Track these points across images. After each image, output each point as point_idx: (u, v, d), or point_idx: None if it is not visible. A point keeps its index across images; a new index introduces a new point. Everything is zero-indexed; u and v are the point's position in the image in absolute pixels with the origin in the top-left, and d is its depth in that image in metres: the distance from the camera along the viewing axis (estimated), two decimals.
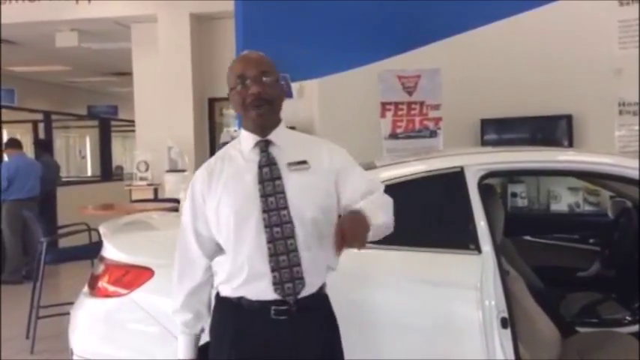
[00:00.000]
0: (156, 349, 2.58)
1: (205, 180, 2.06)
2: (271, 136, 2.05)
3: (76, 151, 17.63)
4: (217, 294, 2.09)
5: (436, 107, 4.90)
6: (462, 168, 2.68)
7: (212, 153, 5.19)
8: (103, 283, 2.76)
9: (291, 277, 1.94)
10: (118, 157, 15.07)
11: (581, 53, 5.15)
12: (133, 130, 9.47)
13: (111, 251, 2.84)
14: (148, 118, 8.72)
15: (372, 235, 1.89)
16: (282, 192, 1.96)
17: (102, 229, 3.09)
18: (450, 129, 4.92)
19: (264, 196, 1.96)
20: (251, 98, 1.99)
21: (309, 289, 1.98)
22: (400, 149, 4.77)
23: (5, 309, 6.17)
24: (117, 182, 11.09)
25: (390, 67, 5.07)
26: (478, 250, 2.54)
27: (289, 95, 5.69)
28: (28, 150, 8.95)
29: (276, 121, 2.07)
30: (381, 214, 1.97)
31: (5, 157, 8.21)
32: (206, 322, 2.14)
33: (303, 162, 2.02)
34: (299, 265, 1.95)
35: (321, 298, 2.05)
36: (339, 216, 2.02)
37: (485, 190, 2.70)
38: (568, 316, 3.37)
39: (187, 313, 2.12)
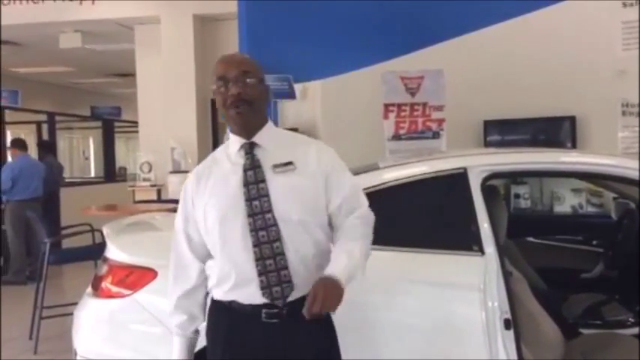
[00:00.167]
0: (159, 349, 2.58)
1: (194, 184, 2.07)
2: (256, 138, 2.03)
3: (80, 152, 17.66)
4: (211, 297, 2.09)
5: (439, 108, 4.90)
6: (465, 169, 2.68)
7: None
8: (106, 284, 2.77)
9: (279, 280, 1.93)
10: (121, 158, 15.09)
11: (585, 55, 5.15)
12: (137, 131, 9.48)
13: (114, 252, 2.84)
14: (151, 119, 8.73)
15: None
16: (267, 195, 1.95)
17: (105, 230, 3.10)
18: (453, 130, 4.93)
19: (248, 199, 1.95)
20: (231, 99, 1.98)
21: (300, 292, 1.94)
22: (403, 150, 4.77)
23: (9, 309, 6.18)
24: (120, 183, 11.11)
25: (393, 68, 5.08)
26: (481, 251, 2.54)
27: (292, 96, 5.70)
28: (32, 151, 8.95)
29: (259, 122, 2.06)
30: (359, 257, 1.95)
31: (9, 158, 8.23)
32: (200, 324, 2.14)
33: (289, 163, 2.00)
34: (286, 268, 1.93)
35: None
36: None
37: (488, 191, 2.69)
38: (571, 317, 3.37)
39: (181, 315, 2.12)
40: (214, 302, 2.06)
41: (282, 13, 5.45)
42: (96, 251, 4.37)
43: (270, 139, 2.05)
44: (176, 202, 2.23)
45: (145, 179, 8.41)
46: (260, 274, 1.93)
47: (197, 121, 8.27)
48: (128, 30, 8.95)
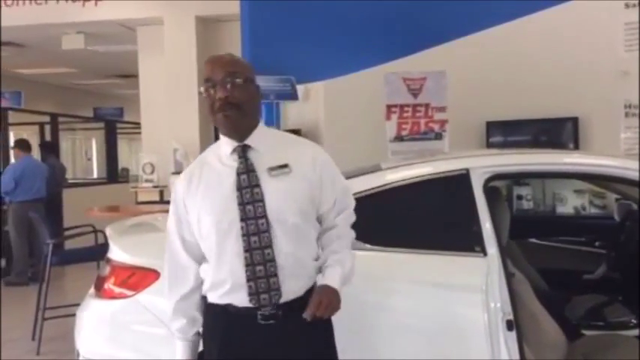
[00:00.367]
0: (161, 350, 2.58)
1: (185, 187, 2.04)
2: (249, 141, 2.00)
3: (82, 153, 17.69)
4: (205, 299, 2.08)
5: (442, 109, 4.90)
6: (467, 170, 2.68)
7: None
8: (109, 285, 2.77)
9: (268, 287, 1.92)
10: (123, 159, 15.09)
11: (587, 56, 5.14)
12: (139, 132, 9.50)
13: (117, 253, 2.84)
14: (153, 120, 8.75)
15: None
16: (261, 200, 1.93)
17: (108, 231, 3.10)
18: (455, 131, 4.92)
19: (241, 203, 1.93)
20: (218, 103, 1.94)
21: (292, 294, 1.96)
22: (405, 151, 4.77)
23: (11, 310, 6.19)
24: (123, 184, 11.15)
25: (395, 69, 5.07)
26: (483, 252, 2.54)
27: (295, 97, 5.70)
28: (34, 152, 8.97)
29: (249, 125, 2.02)
30: (350, 266, 2.05)
31: (12, 159, 8.25)
32: (200, 327, 2.12)
33: (284, 166, 1.98)
34: (275, 275, 1.93)
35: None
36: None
37: (490, 192, 2.69)
38: (574, 318, 3.36)
39: (181, 319, 2.10)
40: (209, 305, 2.05)
41: (284, 14, 5.44)
42: (98, 252, 4.37)
43: (263, 141, 2.02)
44: None
45: (147, 180, 8.43)
46: (249, 280, 1.92)
47: (199, 122, 8.27)
48: (131, 31, 8.97)
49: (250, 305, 1.94)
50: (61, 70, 12.74)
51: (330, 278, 1.96)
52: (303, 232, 1.99)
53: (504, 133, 5.45)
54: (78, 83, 15.21)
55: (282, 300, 1.95)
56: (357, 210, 2.20)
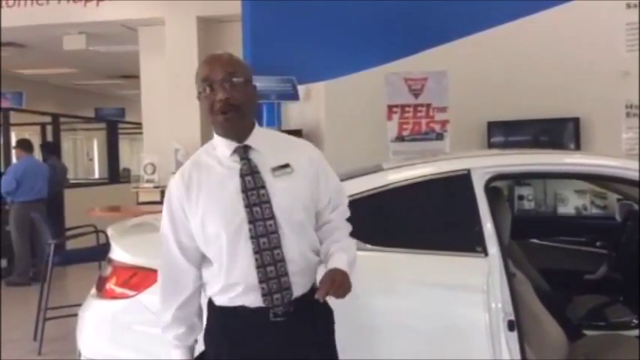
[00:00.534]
0: (162, 350, 2.58)
1: (182, 192, 1.98)
2: (249, 141, 1.98)
3: (84, 153, 17.72)
4: (210, 302, 2.04)
5: (443, 110, 4.90)
6: (468, 171, 2.68)
7: None
8: (110, 285, 2.77)
9: (280, 287, 1.93)
10: (125, 159, 15.11)
11: (588, 56, 5.14)
12: (140, 133, 9.51)
13: (119, 253, 2.85)
14: (155, 120, 8.75)
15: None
16: (268, 201, 1.92)
17: (110, 231, 3.10)
18: (456, 131, 4.92)
19: (248, 206, 1.91)
20: (218, 105, 1.91)
21: (299, 291, 1.97)
22: (406, 151, 4.77)
23: (13, 310, 6.20)
24: (124, 184, 11.16)
25: (396, 69, 5.08)
26: (485, 252, 2.54)
27: (296, 98, 5.71)
28: (36, 152, 8.99)
29: (248, 125, 2.00)
30: (353, 255, 2.04)
31: (14, 159, 8.25)
32: (199, 333, 2.10)
33: (286, 165, 1.98)
34: (286, 274, 1.93)
35: (314, 291, 2.03)
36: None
37: (492, 192, 2.69)
38: (575, 319, 3.36)
39: (180, 327, 2.06)
40: (218, 307, 2.02)
41: (285, 15, 5.45)
42: (100, 252, 4.36)
43: (263, 142, 2.01)
44: None
45: (148, 180, 8.44)
46: (261, 282, 1.92)
47: (201, 122, 8.27)
48: (132, 32, 8.98)
49: (263, 305, 1.94)
50: (63, 70, 12.75)
51: (338, 262, 1.95)
52: (306, 227, 2.00)
53: (505, 133, 5.45)
54: (79, 84, 15.23)
55: (293, 297, 1.96)
56: (358, 210, 2.21)
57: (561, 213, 5.28)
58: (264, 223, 1.91)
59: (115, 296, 2.76)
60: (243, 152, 1.98)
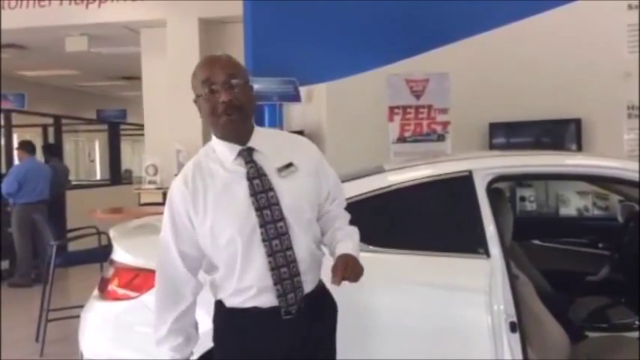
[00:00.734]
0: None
1: (187, 199, 1.95)
2: (252, 143, 1.97)
3: (86, 154, 17.72)
4: (220, 304, 2.03)
5: (444, 111, 4.90)
6: (470, 172, 2.68)
7: None
8: (112, 286, 2.78)
9: (293, 287, 1.94)
10: (126, 160, 15.11)
11: (590, 57, 5.14)
12: (142, 134, 9.52)
13: (121, 254, 2.85)
14: (156, 121, 8.76)
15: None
16: (277, 203, 1.92)
17: (112, 233, 3.11)
18: (458, 133, 4.92)
19: (258, 209, 1.91)
20: (222, 107, 1.90)
21: (311, 286, 2.00)
22: (408, 153, 4.77)
23: (15, 312, 6.20)
24: (126, 186, 11.16)
25: (398, 70, 5.08)
26: (487, 254, 2.54)
27: (297, 99, 5.71)
28: (38, 154, 8.99)
29: (250, 127, 2.00)
30: (357, 241, 2.06)
31: (16, 160, 8.26)
32: (195, 345, 2.08)
33: (290, 165, 1.98)
34: (298, 274, 1.94)
35: (320, 285, 2.07)
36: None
37: (493, 194, 2.70)
38: (577, 320, 3.36)
39: (177, 338, 2.03)
40: (227, 309, 2.00)
41: (287, 16, 5.46)
42: (102, 254, 4.38)
43: (264, 143, 2.00)
44: None
45: (150, 182, 8.45)
46: (275, 283, 1.92)
47: (202, 123, 8.26)
48: (134, 33, 8.99)
49: (276, 305, 1.95)
50: (65, 72, 12.77)
51: (346, 248, 1.97)
52: (312, 223, 2.02)
53: (507, 134, 5.45)
54: (81, 85, 15.24)
55: (304, 293, 1.98)
56: (360, 211, 2.21)
57: (563, 214, 5.28)
58: (274, 225, 1.91)
59: (117, 297, 2.76)
60: (248, 155, 1.97)
